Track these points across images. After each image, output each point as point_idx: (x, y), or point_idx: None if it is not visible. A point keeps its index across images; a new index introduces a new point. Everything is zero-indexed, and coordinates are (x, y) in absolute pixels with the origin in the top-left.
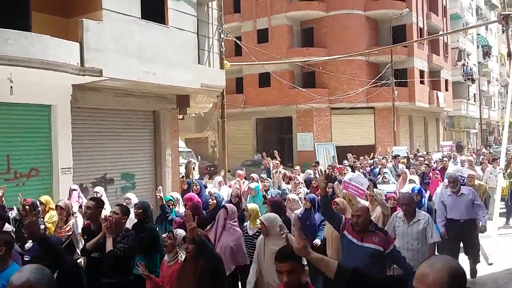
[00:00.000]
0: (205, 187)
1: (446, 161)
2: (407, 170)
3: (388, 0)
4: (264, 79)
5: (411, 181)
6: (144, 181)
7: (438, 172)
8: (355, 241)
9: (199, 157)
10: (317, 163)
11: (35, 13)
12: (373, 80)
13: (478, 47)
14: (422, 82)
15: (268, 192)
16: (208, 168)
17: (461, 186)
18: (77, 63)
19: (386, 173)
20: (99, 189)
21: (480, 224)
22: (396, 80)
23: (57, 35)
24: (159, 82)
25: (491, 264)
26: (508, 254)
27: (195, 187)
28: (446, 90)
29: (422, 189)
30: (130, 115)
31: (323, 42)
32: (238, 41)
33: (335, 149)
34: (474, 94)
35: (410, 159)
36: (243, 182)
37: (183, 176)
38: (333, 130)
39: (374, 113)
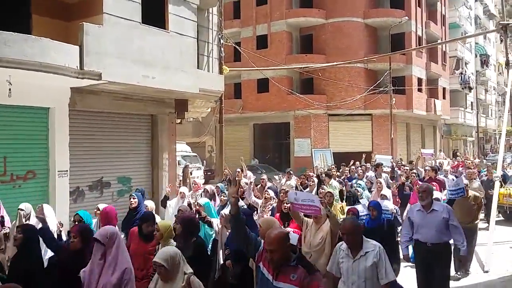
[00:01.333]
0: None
1: (428, 170)
2: (383, 181)
3: (387, 8)
4: (263, 85)
5: (383, 196)
6: (141, 185)
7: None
8: (269, 278)
9: (204, 161)
10: (290, 172)
11: (36, 16)
12: (371, 87)
13: (476, 56)
14: (420, 90)
15: (227, 207)
16: (206, 173)
17: (434, 201)
18: (76, 66)
19: (360, 185)
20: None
21: (460, 252)
22: (394, 88)
23: (57, 38)
24: (158, 86)
25: (487, 271)
26: (503, 262)
27: (132, 200)
28: (444, 98)
29: (380, 203)
30: (128, 118)
31: (322, 49)
32: (237, 47)
33: (332, 155)
34: (472, 102)
35: (395, 169)
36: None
37: (180, 181)
38: (331, 137)
39: (372, 120)
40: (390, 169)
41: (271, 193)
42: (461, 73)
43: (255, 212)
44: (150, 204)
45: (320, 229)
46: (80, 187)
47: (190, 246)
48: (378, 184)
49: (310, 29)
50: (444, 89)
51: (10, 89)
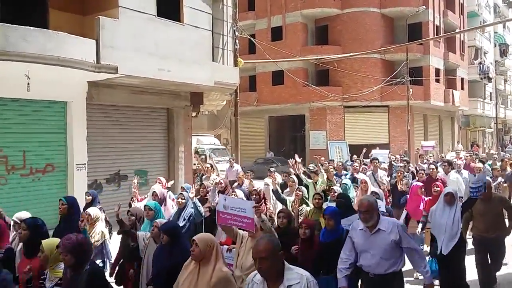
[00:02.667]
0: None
1: (433, 169)
2: (367, 179)
3: None
4: (278, 77)
5: (374, 193)
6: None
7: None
8: None
9: (233, 155)
10: (269, 170)
11: (53, 10)
12: (388, 78)
13: (495, 46)
14: (437, 81)
15: (185, 212)
16: None
17: (381, 217)
18: (93, 60)
19: (346, 184)
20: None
21: (425, 281)
22: (411, 79)
23: (73, 32)
24: (174, 79)
25: (505, 264)
26: None
27: (87, 197)
28: (462, 88)
29: (338, 210)
30: (144, 112)
31: (337, 40)
32: (252, 39)
33: (348, 147)
34: (490, 93)
35: (394, 164)
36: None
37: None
38: (346, 129)
39: (388, 111)
40: (388, 165)
41: (240, 194)
42: (480, 63)
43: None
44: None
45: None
46: (98, 180)
47: (82, 277)
48: (363, 183)
49: (326, 20)
50: (462, 79)
51: (28, 84)
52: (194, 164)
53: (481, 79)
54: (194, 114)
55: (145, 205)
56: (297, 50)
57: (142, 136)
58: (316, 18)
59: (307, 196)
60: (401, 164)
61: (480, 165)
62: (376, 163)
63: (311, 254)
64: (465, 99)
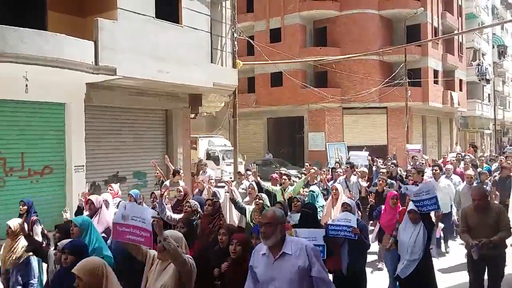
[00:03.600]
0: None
1: (414, 173)
2: (339, 186)
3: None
4: (276, 79)
5: (345, 205)
6: (156, 179)
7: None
8: None
9: (245, 156)
10: (240, 172)
11: (51, 12)
12: (386, 80)
13: (493, 47)
14: (436, 82)
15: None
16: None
17: (288, 237)
18: (92, 62)
19: (313, 192)
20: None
21: None
22: (409, 80)
23: (72, 34)
24: (172, 81)
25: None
26: None
27: (21, 206)
28: (460, 90)
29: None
30: (142, 113)
31: (336, 42)
32: (251, 41)
33: (346, 149)
34: (489, 94)
35: (374, 168)
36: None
37: (193, 174)
38: (345, 130)
39: (387, 113)
40: (368, 168)
41: (193, 204)
42: (478, 65)
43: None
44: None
45: (166, 270)
46: (97, 182)
47: None
48: (333, 190)
49: (324, 21)
50: (460, 81)
51: (27, 85)
52: (156, 173)
53: (480, 80)
54: (192, 115)
55: (70, 220)
56: (296, 51)
57: (140, 138)
58: (315, 19)
59: (268, 204)
60: (384, 170)
61: (471, 172)
62: (348, 167)
63: (240, 277)
64: (463, 100)
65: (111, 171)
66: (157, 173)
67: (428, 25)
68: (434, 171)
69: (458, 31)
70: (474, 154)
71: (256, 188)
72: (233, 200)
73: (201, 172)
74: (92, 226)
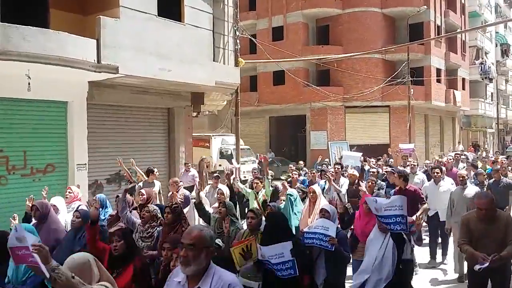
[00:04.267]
0: None
1: (392, 173)
2: (317, 188)
3: None
4: (279, 77)
5: (324, 212)
6: (158, 178)
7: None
8: None
9: (258, 155)
10: (217, 176)
11: (53, 10)
12: (389, 79)
13: (496, 46)
14: (438, 81)
15: (83, 233)
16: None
17: (215, 268)
18: (94, 60)
19: (290, 195)
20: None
21: None
22: (412, 79)
23: (74, 32)
24: (175, 79)
25: None
26: None
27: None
28: (463, 89)
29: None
30: (145, 112)
31: (338, 40)
32: (253, 39)
33: (349, 147)
34: (492, 93)
35: (365, 169)
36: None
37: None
38: (347, 129)
39: (389, 111)
40: (360, 170)
41: (152, 209)
42: (481, 63)
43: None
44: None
45: None
46: (99, 180)
47: None
48: (310, 193)
49: (327, 19)
50: (463, 79)
51: (29, 83)
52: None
53: (483, 79)
54: (194, 114)
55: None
56: (298, 50)
57: (142, 136)
58: (317, 18)
59: (234, 212)
60: (374, 170)
61: (463, 172)
62: (338, 169)
63: None
64: (466, 99)
65: (114, 169)
66: (125, 174)
67: (431, 23)
68: (435, 174)
69: (461, 29)
70: (476, 153)
71: (225, 193)
72: (198, 205)
73: (182, 171)
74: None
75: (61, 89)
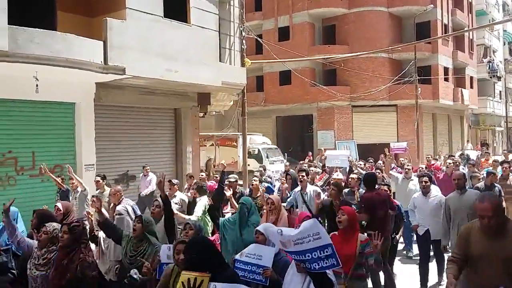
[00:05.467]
0: None
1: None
2: (275, 198)
3: None
4: (285, 77)
5: (257, 234)
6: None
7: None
8: None
9: (285, 154)
10: (191, 176)
11: (61, 12)
12: (396, 78)
13: (504, 44)
14: (446, 80)
15: None
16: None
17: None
18: (101, 61)
19: (244, 203)
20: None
21: None
22: (419, 78)
23: (81, 33)
24: (181, 80)
25: None
26: None
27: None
28: (471, 87)
29: None
30: (152, 112)
31: (345, 39)
32: (259, 39)
33: (356, 147)
34: (500, 91)
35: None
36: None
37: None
38: (355, 128)
39: (397, 110)
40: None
41: (50, 229)
42: (489, 62)
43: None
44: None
45: None
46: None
47: None
48: (268, 204)
49: (333, 19)
50: (471, 78)
51: (37, 85)
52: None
53: (491, 77)
54: (201, 114)
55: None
56: (305, 50)
57: (149, 137)
58: (324, 17)
59: (154, 229)
60: (354, 176)
61: (461, 172)
62: (302, 177)
63: None
64: (474, 98)
65: (121, 170)
66: (55, 181)
67: (438, 22)
68: (423, 184)
69: (468, 28)
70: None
71: (179, 201)
72: (105, 223)
73: (141, 175)
74: None
75: (69, 90)
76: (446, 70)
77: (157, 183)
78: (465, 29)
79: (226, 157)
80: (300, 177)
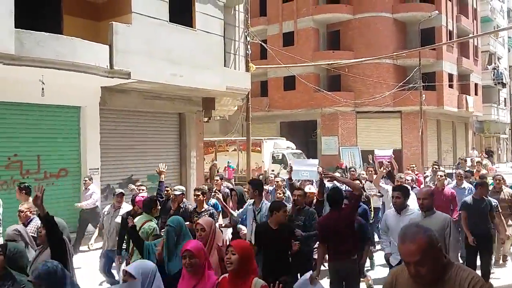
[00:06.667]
0: None
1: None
2: (207, 223)
3: (417, 3)
4: (289, 82)
5: (124, 274)
6: (169, 182)
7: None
8: None
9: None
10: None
11: (67, 16)
12: (400, 84)
13: (509, 51)
14: (451, 86)
15: None
16: None
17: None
18: (106, 66)
19: (171, 226)
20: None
21: None
22: (424, 84)
23: (87, 38)
24: (186, 84)
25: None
26: None
27: None
28: (476, 94)
29: None
30: (156, 117)
31: (349, 45)
32: (264, 44)
33: (360, 153)
34: (505, 98)
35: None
36: None
37: (207, 179)
38: (359, 134)
39: (401, 117)
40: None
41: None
42: (494, 68)
43: None
44: None
45: None
46: (111, 184)
47: None
48: (198, 229)
49: (337, 25)
50: (476, 85)
51: (43, 89)
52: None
53: (495, 84)
54: (205, 119)
55: None
56: (309, 55)
57: (154, 141)
58: (328, 23)
59: (23, 263)
60: (330, 184)
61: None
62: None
63: None
64: (479, 104)
65: (126, 174)
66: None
67: (442, 28)
68: (395, 200)
69: (473, 34)
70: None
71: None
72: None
73: (83, 190)
74: None
75: (74, 94)
76: (450, 76)
77: (34, 199)
78: (470, 35)
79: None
80: (252, 190)
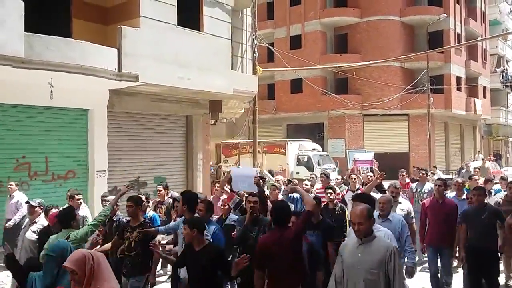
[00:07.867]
0: None
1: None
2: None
3: (425, 6)
4: (296, 85)
5: None
6: (176, 185)
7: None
8: None
9: (337, 162)
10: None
11: (76, 20)
12: (408, 87)
13: None
14: (459, 89)
15: None
16: None
17: None
18: (115, 69)
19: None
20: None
21: None
22: (432, 87)
23: (96, 41)
24: (193, 87)
25: None
26: None
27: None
28: (484, 97)
29: None
30: (163, 119)
31: (357, 48)
32: (271, 47)
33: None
34: None
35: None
36: None
37: (213, 181)
38: (366, 137)
39: (409, 120)
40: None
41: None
42: (503, 71)
43: None
44: None
45: None
46: (118, 186)
47: None
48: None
49: (345, 28)
50: (484, 88)
51: (51, 92)
52: None
53: (504, 87)
54: (212, 122)
55: None
56: (316, 58)
57: (161, 144)
58: (335, 26)
59: None
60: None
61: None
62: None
63: None
64: (487, 108)
65: (132, 176)
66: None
67: (451, 31)
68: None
69: (481, 37)
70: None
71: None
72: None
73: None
74: None
75: (83, 97)
76: (458, 79)
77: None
78: (478, 38)
79: (274, 165)
80: (182, 204)
